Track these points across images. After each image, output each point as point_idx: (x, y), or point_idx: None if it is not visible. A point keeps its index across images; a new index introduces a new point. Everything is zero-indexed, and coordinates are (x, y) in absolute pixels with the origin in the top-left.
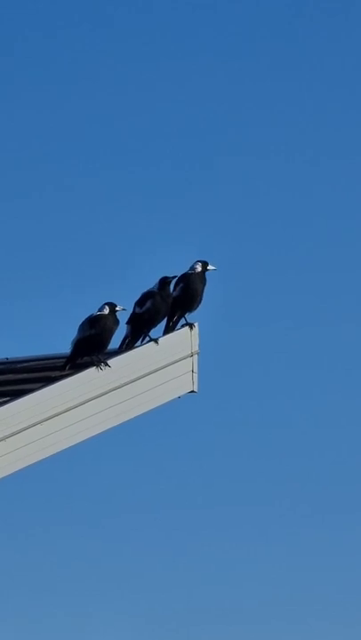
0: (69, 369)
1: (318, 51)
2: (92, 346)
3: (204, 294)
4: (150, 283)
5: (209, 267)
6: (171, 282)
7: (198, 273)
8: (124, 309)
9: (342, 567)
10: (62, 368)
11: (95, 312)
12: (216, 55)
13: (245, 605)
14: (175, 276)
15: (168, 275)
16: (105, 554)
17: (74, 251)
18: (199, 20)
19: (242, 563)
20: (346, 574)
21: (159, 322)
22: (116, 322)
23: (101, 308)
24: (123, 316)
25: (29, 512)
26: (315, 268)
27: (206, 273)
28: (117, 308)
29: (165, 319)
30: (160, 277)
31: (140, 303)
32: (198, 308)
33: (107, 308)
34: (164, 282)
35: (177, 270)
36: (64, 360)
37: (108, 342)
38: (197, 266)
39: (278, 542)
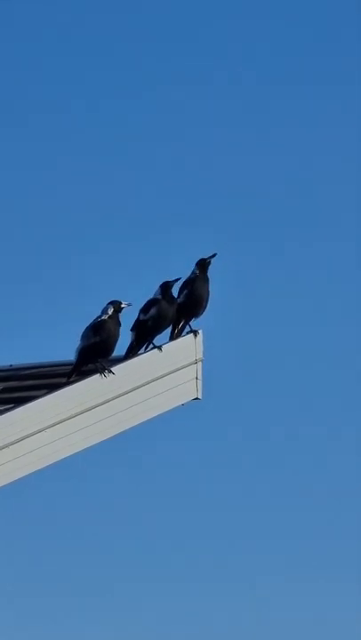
0: (75, 376)
1: (321, 57)
2: (97, 353)
3: (209, 299)
4: (153, 284)
5: (207, 260)
6: (173, 285)
7: (200, 276)
8: (129, 305)
9: (344, 577)
10: (68, 377)
11: (98, 315)
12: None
13: (246, 611)
14: (177, 279)
15: (169, 278)
16: (106, 562)
17: (77, 257)
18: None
19: (243, 568)
20: (345, 586)
21: (164, 329)
22: (119, 324)
23: (105, 309)
24: (127, 321)
25: (32, 518)
26: (320, 275)
27: (208, 269)
28: (123, 305)
29: (170, 326)
30: (161, 282)
31: (144, 310)
32: (203, 315)
33: (111, 308)
34: (166, 286)
35: (178, 272)
36: (68, 367)
37: (114, 348)
38: (197, 269)
39: (280, 548)
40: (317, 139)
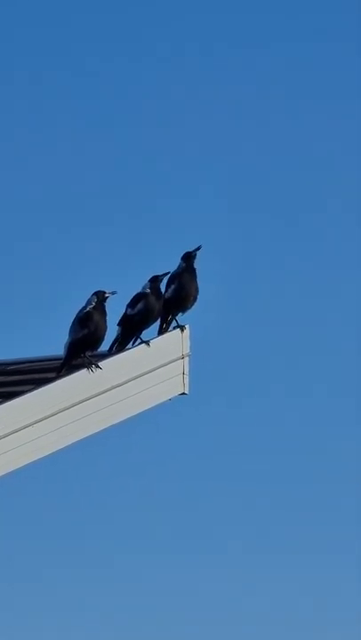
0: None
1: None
2: (86, 345)
3: (198, 292)
4: (141, 278)
5: (193, 253)
6: (162, 279)
7: (186, 269)
8: (113, 293)
9: (345, 577)
10: (57, 371)
11: (83, 307)
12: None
13: (246, 612)
14: (166, 273)
15: (157, 272)
16: (94, 558)
17: (63, 251)
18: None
19: (236, 565)
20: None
21: (152, 323)
22: (105, 313)
23: (89, 300)
24: (114, 316)
25: (18, 514)
26: (309, 269)
27: (194, 262)
28: (107, 295)
29: (158, 321)
30: (150, 276)
31: (131, 305)
32: (191, 309)
33: (95, 298)
34: (156, 280)
35: (166, 267)
36: (55, 362)
37: (103, 338)
38: (183, 263)
39: (275, 543)
40: (317, 136)
